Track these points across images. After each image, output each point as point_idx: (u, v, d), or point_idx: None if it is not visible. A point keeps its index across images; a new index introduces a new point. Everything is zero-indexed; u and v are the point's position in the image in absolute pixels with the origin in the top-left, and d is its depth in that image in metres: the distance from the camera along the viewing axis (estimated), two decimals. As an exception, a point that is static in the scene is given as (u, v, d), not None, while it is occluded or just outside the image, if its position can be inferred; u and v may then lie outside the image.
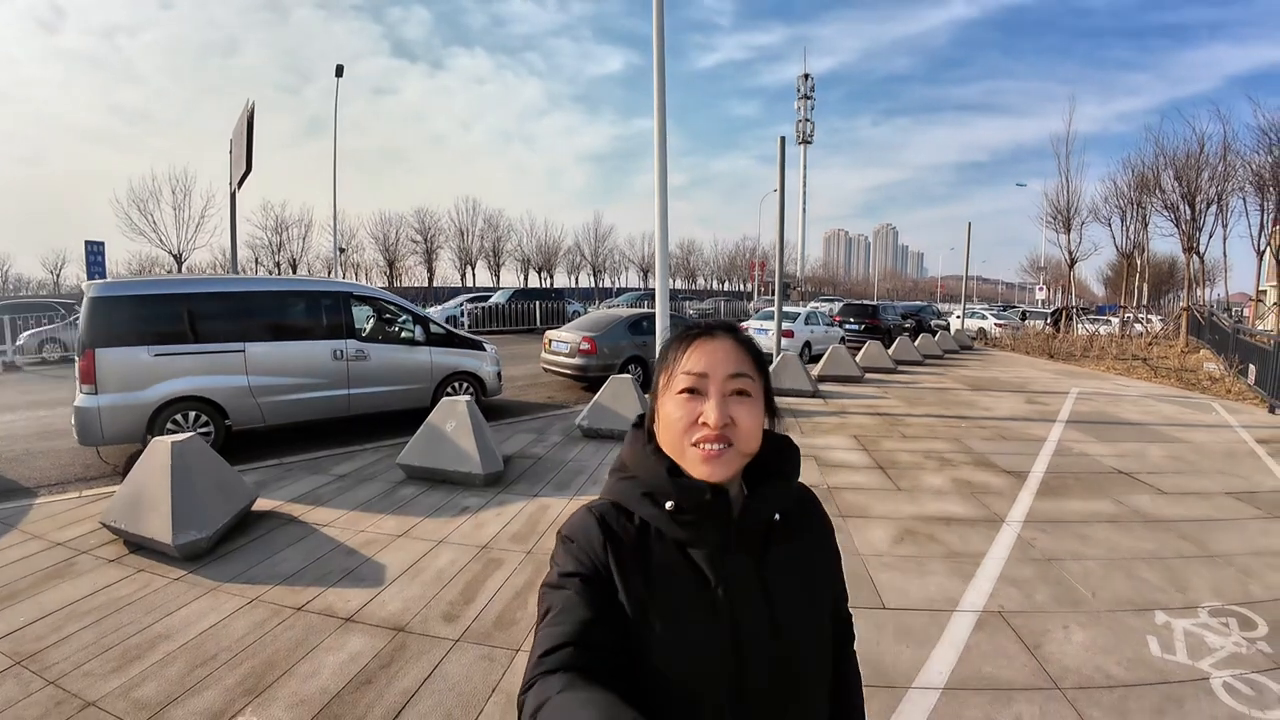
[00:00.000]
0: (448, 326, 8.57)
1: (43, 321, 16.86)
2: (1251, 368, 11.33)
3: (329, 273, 43.39)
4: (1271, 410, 9.66)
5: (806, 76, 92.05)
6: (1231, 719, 2.54)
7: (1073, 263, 24.50)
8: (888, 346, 15.34)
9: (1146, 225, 24.15)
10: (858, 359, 13.23)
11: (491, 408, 8.57)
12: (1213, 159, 20.32)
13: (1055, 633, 3.15)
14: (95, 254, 17.79)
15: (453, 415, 5.58)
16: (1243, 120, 48.28)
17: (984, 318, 30.44)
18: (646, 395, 0.96)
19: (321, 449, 6.54)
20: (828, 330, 17.37)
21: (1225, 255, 28.02)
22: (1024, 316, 32.11)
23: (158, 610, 3.28)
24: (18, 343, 14.90)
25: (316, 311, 7.22)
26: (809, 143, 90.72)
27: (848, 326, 19.78)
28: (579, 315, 17.66)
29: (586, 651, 0.75)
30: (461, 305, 25.64)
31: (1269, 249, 21.05)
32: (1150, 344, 19.06)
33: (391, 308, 8.16)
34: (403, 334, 8.07)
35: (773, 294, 14.46)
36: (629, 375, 7.51)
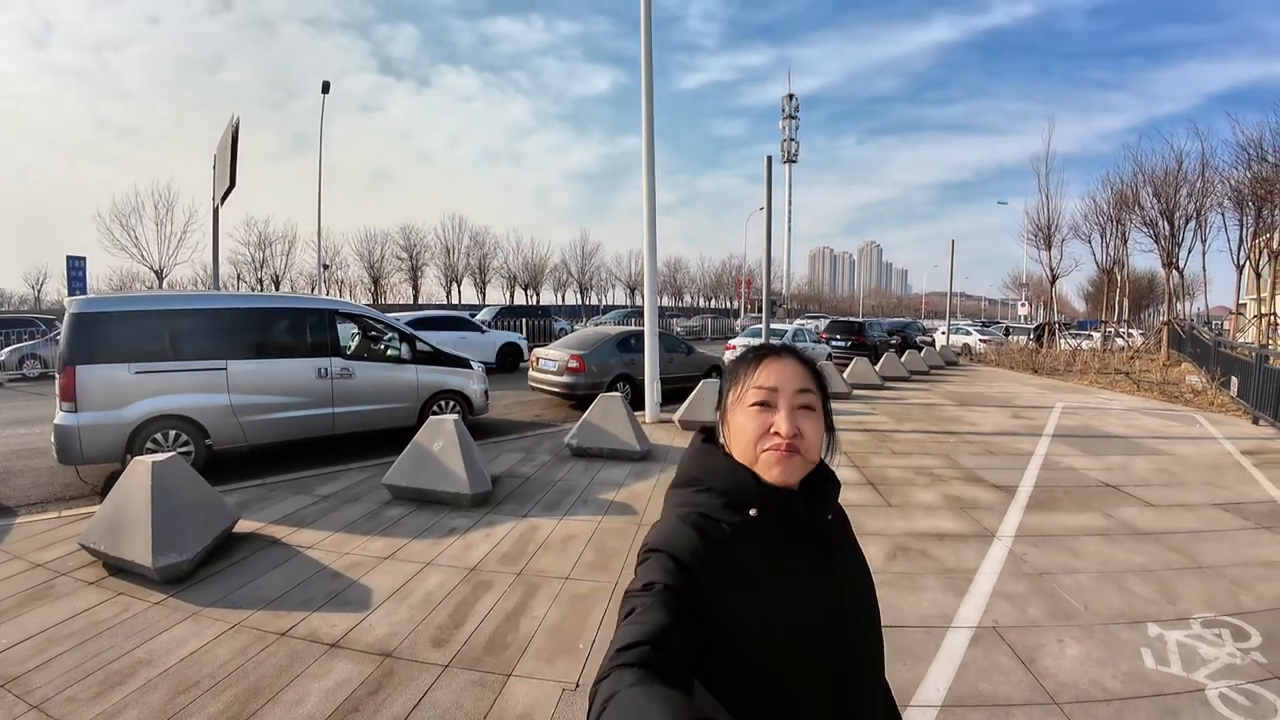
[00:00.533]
0: (434, 344, 8.48)
1: (23, 337, 16.63)
2: (1234, 380, 11.52)
3: (312, 289, 43.09)
4: (1255, 421, 9.81)
5: (791, 97, 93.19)
6: (1229, 733, 2.53)
7: (1054, 279, 24.83)
8: (874, 363, 15.47)
9: (1126, 241, 24.53)
10: (845, 375, 13.32)
11: (479, 426, 8.50)
12: (1191, 175, 20.67)
13: (1050, 647, 3.14)
14: (77, 269, 17.63)
15: (440, 434, 5.51)
16: (1221, 137, 49.48)
17: (968, 334, 30.74)
18: (716, 411, 1.05)
19: (306, 469, 6.41)
20: (814, 347, 17.57)
21: (1205, 270, 28.63)
22: (1007, 332, 32.52)
23: (139, 635, 3.19)
24: (-2, 358, 14.67)
25: (301, 329, 7.12)
26: (794, 161, 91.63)
27: (834, 343, 19.95)
28: (565, 333, 17.62)
29: (662, 653, 0.77)
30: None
31: (1248, 263, 21.43)
32: (1133, 358, 19.35)
33: (377, 325, 8.09)
34: (388, 352, 7.98)
35: (760, 311, 14.53)
36: (618, 393, 7.44)
